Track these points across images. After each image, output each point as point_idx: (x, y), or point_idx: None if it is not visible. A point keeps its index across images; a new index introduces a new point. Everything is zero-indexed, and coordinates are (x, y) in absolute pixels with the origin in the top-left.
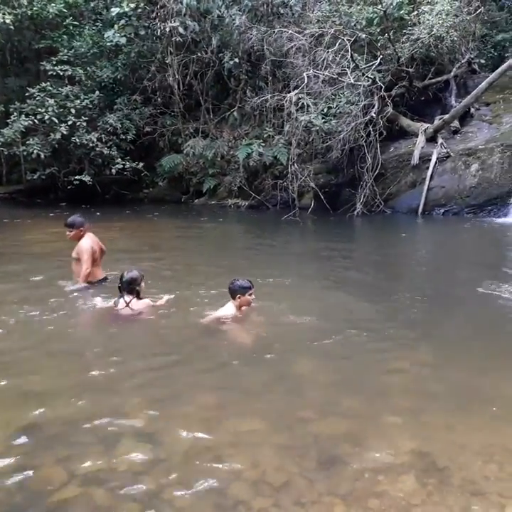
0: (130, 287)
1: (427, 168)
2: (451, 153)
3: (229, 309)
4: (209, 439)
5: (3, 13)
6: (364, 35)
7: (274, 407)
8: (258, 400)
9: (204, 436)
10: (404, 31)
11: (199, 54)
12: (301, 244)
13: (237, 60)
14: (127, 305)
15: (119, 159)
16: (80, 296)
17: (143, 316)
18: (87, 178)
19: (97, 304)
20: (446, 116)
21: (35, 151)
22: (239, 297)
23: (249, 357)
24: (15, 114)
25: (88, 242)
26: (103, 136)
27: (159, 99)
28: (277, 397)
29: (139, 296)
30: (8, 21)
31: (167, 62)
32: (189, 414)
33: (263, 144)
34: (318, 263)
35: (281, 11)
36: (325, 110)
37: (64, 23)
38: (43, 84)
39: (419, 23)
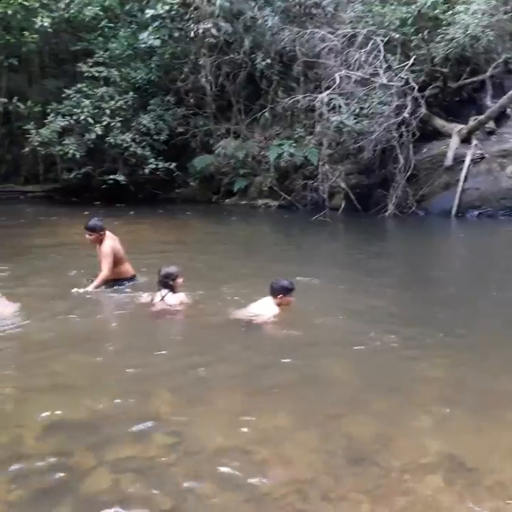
0: (165, 281)
1: (461, 169)
2: (486, 155)
3: (270, 307)
4: (237, 434)
5: (42, 17)
6: (397, 35)
7: (303, 406)
8: (287, 399)
9: (233, 431)
10: (439, 31)
11: (231, 55)
12: (332, 245)
13: (269, 60)
14: (162, 299)
15: (152, 159)
16: (113, 293)
17: (176, 311)
18: (121, 178)
19: (133, 300)
20: (481, 117)
21: (71, 151)
22: (280, 297)
23: (279, 355)
24: (52, 114)
25: (109, 244)
26: (137, 136)
27: (192, 100)
28: (307, 395)
29: (173, 291)
30: (46, 24)
31: (200, 63)
32: (218, 410)
33: (294, 145)
34: (348, 264)
35: (314, 12)
36: (357, 111)
37: (100, 26)
38: (79, 86)
39: (454, 22)
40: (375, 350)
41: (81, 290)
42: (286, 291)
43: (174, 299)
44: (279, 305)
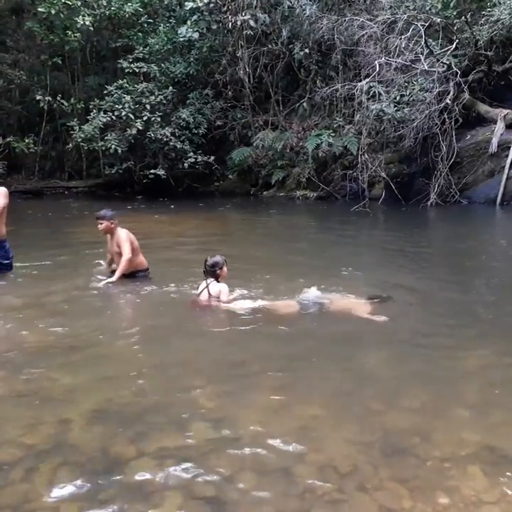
0: (213, 270)
1: (507, 156)
2: None
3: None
4: (276, 425)
5: (84, 15)
6: (439, 20)
7: (340, 398)
8: (325, 390)
9: (271, 422)
10: (483, 13)
11: (269, 46)
12: (372, 235)
13: (307, 50)
14: (207, 287)
15: (192, 153)
16: (150, 282)
17: (217, 301)
18: (161, 172)
19: (175, 291)
20: None
21: (112, 146)
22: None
23: (317, 347)
24: (94, 111)
25: (125, 231)
26: (176, 130)
27: (230, 93)
28: (344, 387)
29: (218, 280)
30: (88, 23)
31: (238, 55)
32: (256, 400)
33: (333, 135)
34: (390, 255)
35: None
36: (397, 98)
37: (139, 22)
38: (120, 82)
39: (500, 3)
40: (414, 342)
41: (102, 283)
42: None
43: (216, 288)
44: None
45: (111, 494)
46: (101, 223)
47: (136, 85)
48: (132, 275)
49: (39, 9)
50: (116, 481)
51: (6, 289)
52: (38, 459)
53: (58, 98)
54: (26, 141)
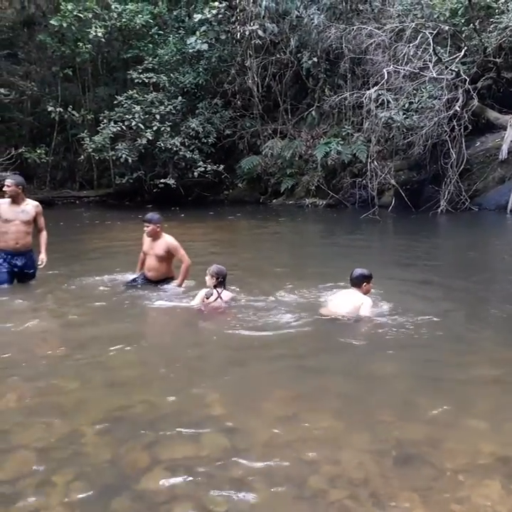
0: (219, 281)
1: None
2: None
3: (363, 297)
4: (287, 433)
5: (96, 27)
6: (447, 27)
7: (352, 406)
8: (337, 399)
9: (283, 430)
10: (491, 20)
11: (278, 55)
12: (382, 243)
13: (315, 59)
14: (219, 296)
15: (201, 162)
16: (164, 291)
17: (228, 308)
18: (171, 182)
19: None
20: None
21: (123, 156)
22: (365, 285)
23: (329, 354)
24: (104, 121)
25: (173, 239)
26: (186, 140)
27: (239, 102)
28: (357, 395)
29: (225, 288)
30: (100, 34)
31: (246, 65)
32: (268, 409)
33: (341, 142)
34: (400, 263)
35: (361, 8)
36: (406, 106)
37: (150, 33)
38: (130, 92)
39: (508, 10)
40: (427, 350)
41: (172, 284)
42: (368, 279)
43: (227, 296)
44: (365, 293)
45: (122, 504)
46: (148, 226)
47: (145, 95)
48: (159, 282)
49: (51, 22)
50: (127, 491)
51: (21, 296)
52: (49, 468)
53: (69, 109)
54: (38, 151)
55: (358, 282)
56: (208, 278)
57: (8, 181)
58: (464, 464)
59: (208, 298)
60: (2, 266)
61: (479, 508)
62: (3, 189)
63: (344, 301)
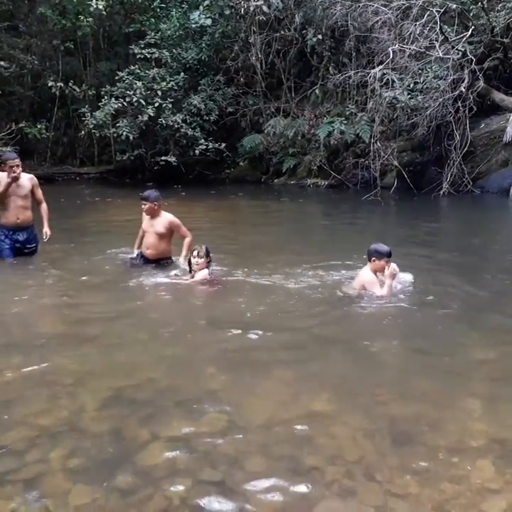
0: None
1: None
2: None
3: (363, 273)
4: (285, 412)
5: (96, 0)
6: (455, 6)
7: (349, 386)
8: (334, 378)
9: (280, 409)
10: None
11: (282, 32)
12: (384, 224)
13: (320, 36)
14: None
15: (203, 140)
16: (167, 270)
17: (217, 287)
18: (172, 159)
19: (177, 278)
20: None
21: (124, 133)
22: (373, 260)
23: (328, 336)
24: (106, 97)
25: (173, 216)
26: (187, 117)
27: (242, 79)
28: (354, 375)
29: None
30: (100, 7)
31: (250, 41)
32: (266, 388)
33: (345, 122)
34: (401, 244)
35: None
36: (411, 86)
37: (152, 7)
38: (132, 68)
39: None
40: (425, 330)
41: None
42: (379, 254)
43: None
44: (374, 270)
45: (121, 479)
46: (145, 204)
47: (147, 71)
48: (157, 261)
49: None
50: (126, 466)
51: (23, 272)
52: (51, 442)
53: (70, 84)
54: (38, 126)
55: (368, 256)
56: (199, 260)
57: (15, 161)
58: (457, 443)
59: (193, 277)
60: (4, 242)
61: (472, 487)
62: (9, 169)
63: (355, 278)
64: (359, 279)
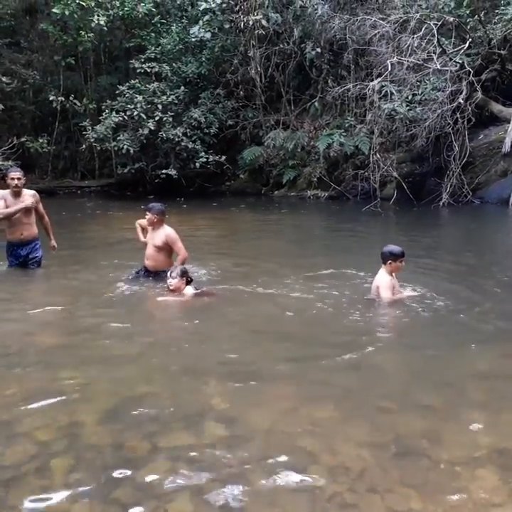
0: (188, 280)
1: None
2: None
3: (380, 277)
4: (287, 424)
5: (98, 15)
6: (452, 18)
7: (351, 398)
8: (337, 390)
9: (282, 421)
10: (497, 11)
11: (281, 45)
12: (384, 235)
13: (319, 49)
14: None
15: (203, 153)
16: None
17: (214, 298)
18: (173, 172)
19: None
20: None
21: (125, 146)
22: (389, 263)
23: (330, 344)
24: (106, 111)
25: (174, 232)
26: (188, 130)
27: (241, 93)
28: (356, 387)
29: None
30: (102, 23)
31: (249, 55)
32: (268, 399)
33: (344, 134)
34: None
35: None
36: (409, 97)
37: (152, 22)
38: (132, 82)
39: None
40: (428, 341)
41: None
42: (394, 256)
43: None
44: (391, 272)
45: (122, 493)
46: (147, 215)
47: (148, 85)
48: (157, 273)
49: (53, 10)
50: (127, 479)
51: (25, 285)
52: (51, 456)
53: (71, 98)
54: (40, 140)
55: (383, 259)
56: (172, 281)
57: (17, 174)
58: (460, 456)
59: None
60: (11, 260)
61: (475, 498)
62: (11, 181)
63: (373, 282)
64: (375, 283)
